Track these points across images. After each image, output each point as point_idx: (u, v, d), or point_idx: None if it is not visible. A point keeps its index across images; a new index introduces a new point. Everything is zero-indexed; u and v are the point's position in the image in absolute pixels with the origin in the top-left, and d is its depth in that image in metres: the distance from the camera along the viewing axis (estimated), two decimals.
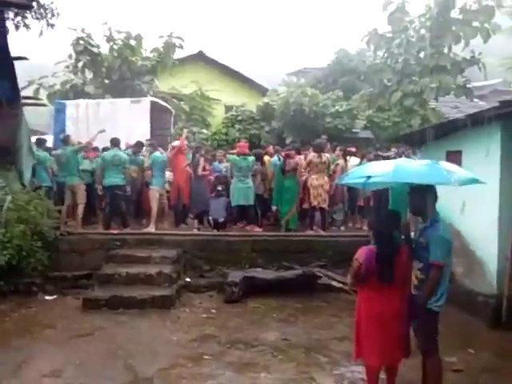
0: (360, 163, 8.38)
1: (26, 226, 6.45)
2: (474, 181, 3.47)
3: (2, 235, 6.13)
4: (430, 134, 6.46)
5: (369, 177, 3.32)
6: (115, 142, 7.99)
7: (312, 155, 8.00)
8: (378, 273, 3.33)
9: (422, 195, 3.40)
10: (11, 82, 2.29)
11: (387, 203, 6.82)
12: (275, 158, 9.17)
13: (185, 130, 9.63)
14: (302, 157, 8.48)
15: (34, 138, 8.30)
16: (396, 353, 3.42)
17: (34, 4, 5.63)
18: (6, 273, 6.15)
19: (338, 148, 9.12)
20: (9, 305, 6.00)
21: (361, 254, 3.41)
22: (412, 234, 3.61)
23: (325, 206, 7.96)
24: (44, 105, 10.00)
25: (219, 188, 8.14)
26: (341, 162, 8.69)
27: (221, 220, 8.07)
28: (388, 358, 3.47)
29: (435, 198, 3.42)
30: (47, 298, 6.40)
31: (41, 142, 8.38)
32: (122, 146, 8.76)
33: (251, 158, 8.26)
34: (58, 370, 4.23)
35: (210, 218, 8.17)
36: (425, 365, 3.57)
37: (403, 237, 3.52)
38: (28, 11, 6.17)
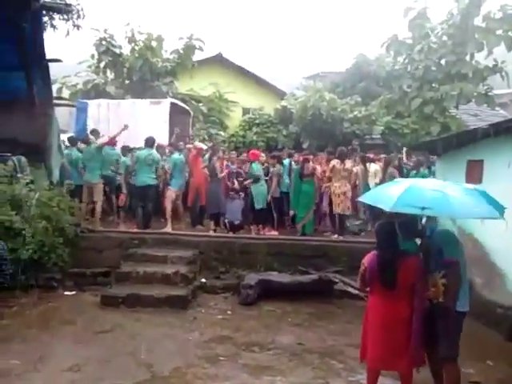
0: (385, 171, 8.40)
1: (48, 223, 6.60)
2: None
3: (25, 230, 6.29)
4: (451, 142, 6.40)
5: (423, 208, 3.23)
6: (149, 142, 8.05)
7: (335, 162, 7.98)
8: (378, 278, 3.44)
9: (411, 220, 3.51)
10: (45, 82, 2.37)
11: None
12: (286, 160, 9.22)
13: (195, 143, 9.63)
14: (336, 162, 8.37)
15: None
16: (400, 360, 3.42)
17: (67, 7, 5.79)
18: (27, 267, 6.30)
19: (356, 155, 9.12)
20: (30, 299, 6.13)
21: (367, 258, 3.56)
22: None
23: (348, 212, 7.99)
24: (73, 105, 10.26)
25: (231, 193, 8.26)
26: (356, 168, 8.66)
27: (236, 222, 8.12)
28: (390, 363, 3.52)
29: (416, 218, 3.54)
30: (67, 293, 6.52)
31: (74, 142, 8.63)
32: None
33: (260, 164, 8.55)
34: (77, 364, 4.31)
35: (226, 220, 8.23)
36: (440, 373, 3.57)
37: (421, 248, 3.58)
38: (63, 14, 6.36)
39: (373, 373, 3.63)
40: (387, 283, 3.43)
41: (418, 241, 3.74)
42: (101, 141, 8.26)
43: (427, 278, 3.49)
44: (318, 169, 8.38)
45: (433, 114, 12.22)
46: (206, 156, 9.07)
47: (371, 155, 9.37)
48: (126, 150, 8.98)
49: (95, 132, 8.85)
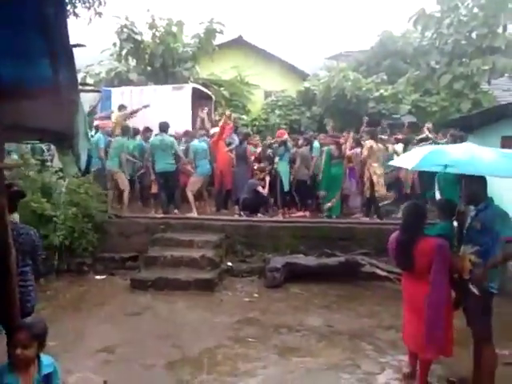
0: (405, 149, 8.17)
1: (77, 209, 6.76)
2: None
3: (56, 217, 6.46)
4: (484, 119, 6.14)
5: (446, 166, 3.26)
6: (163, 127, 8.02)
7: (372, 142, 7.79)
8: (395, 258, 3.56)
9: (476, 183, 3.33)
10: (70, 68, 2.36)
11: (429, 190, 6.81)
12: (316, 143, 9.09)
13: (227, 112, 9.68)
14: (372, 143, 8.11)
15: None
16: (422, 341, 3.35)
17: None
18: (59, 252, 6.49)
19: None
20: (62, 283, 6.35)
21: (391, 238, 3.62)
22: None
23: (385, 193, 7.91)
24: (99, 90, 10.51)
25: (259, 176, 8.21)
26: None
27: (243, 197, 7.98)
28: (413, 343, 3.54)
29: (486, 184, 3.39)
30: (97, 277, 6.72)
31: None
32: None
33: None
34: (111, 345, 4.44)
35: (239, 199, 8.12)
36: (477, 354, 3.48)
37: (456, 224, 3.52)
38: (79, 1, 6.38)
39: (410, 352, 3.68)
40: (402, 264, 3.52)
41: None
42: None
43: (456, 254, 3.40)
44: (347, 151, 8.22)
45: (463, 90, 11.74)
46: (235, 139, 9.05)
47: (399, 136, 9.11)
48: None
49: (122, 107, 9.30)
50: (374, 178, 7.64)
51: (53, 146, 6.62)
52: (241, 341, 4.56)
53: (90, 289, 6.23)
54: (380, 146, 7.91)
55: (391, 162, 4.74)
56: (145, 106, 9.16)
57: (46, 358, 2.47)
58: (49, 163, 7.67)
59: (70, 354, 4.19)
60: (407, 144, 8.31)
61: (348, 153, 8.07)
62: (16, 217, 4.30)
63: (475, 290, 3.27)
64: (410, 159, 3.69)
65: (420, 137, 8.41)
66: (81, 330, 4.83)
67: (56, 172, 7.23)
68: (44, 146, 8.02)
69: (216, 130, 9.14)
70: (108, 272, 6.83)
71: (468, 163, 3.14)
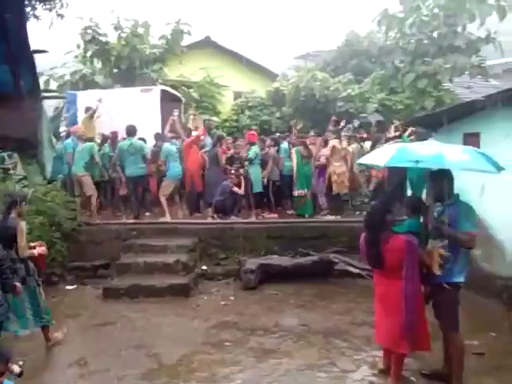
0: (372, 148, 8.36)
1: (44, 218, 6.54)
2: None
3: None
4: (446, 116, 6.35)
5: (417, 161, 3.33)
6: (129, 131, 7.88)
7: (336, 141, 7.95)
8: (365, 257, 3.61)
9: (443, 179, 3.44)
10: (32, 75, 2.27)
11: (401, 186, 6.99)
12: (285, 144, 9.15)
13: (198, 118, 9.60)
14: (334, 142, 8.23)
15: None
16: (397, 337, 3.41)
17: None
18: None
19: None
20: None
21: (362, 237, 3.66)
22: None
23: (346, 191, 8.05)
24: (63, 97, 10.16)
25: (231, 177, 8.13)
26: (352, 147, 8.62)
27: (216, 199, 7.92)
28: (387, 340, 3.59)
29: (453, 180, 3.53)
30: (68, 287, 6.52)
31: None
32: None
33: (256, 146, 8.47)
34: (84, 358, 4.32)
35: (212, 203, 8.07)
36: (447, 347, 3.60)
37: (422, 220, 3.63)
38: (45, 3, 6.18)
39: (384, 349, 3.76)
40: (373, 262, 3.57)
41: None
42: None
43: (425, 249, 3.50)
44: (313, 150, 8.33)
45: (426, 89, 12.09)
46: (208, 141, 8.99)
47: (364, 135, 9.33)
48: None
49: (88, 109, 9.15)
50: (334, 177, 7.82)
51: (15, 155, 6.40)
52: (217, 345, 4.54)
53: (61, 300, 6.04)
54: (345, 144, 8.09)
55: (361, 160, 4.84)
56: (98, 100, 9.05)
57: (6, 383, 2.38)
58: (12, 171, 7.39)
59: (42, 370, 4.06)
60: (375, 143, 8.50)
61: (321, 162, 8.12)
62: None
63: (446, 285, 3.38)
64: (380, 156, 3.78)
65: (389, 136, 8.60)
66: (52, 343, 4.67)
67: (20, 180, 6.98)
68: (5, 154, 7.71)
69: (195, 133, 9.06)
70: (79, 281, 6.65)
71: (435, 159, 3.25)
